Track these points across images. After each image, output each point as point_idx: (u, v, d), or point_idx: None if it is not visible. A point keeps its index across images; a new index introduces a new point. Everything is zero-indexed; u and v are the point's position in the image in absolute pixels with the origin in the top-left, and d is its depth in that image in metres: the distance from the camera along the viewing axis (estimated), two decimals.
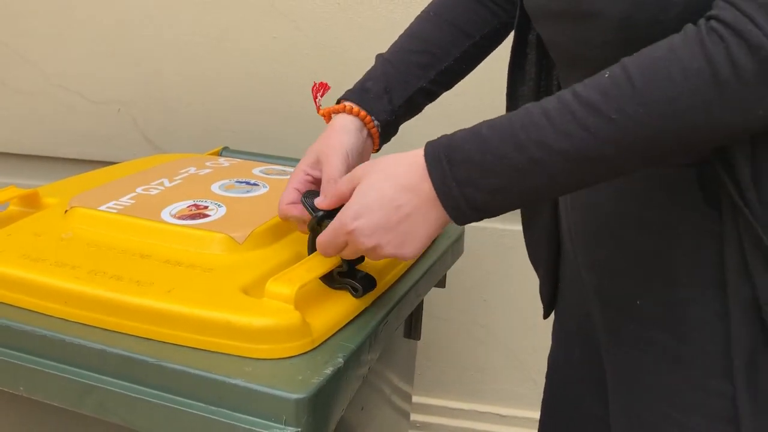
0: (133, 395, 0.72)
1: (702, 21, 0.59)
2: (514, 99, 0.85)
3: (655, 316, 0.73)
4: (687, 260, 0.70)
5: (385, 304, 0.87)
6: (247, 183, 1.05)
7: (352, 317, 0.82)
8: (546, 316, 0.99)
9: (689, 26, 0.59)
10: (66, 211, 0.94)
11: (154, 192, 0.99)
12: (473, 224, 1.55)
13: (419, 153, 0.68)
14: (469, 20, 0.91)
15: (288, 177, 1.10)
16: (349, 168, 0.81)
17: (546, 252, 0.91)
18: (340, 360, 0.74)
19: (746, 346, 0.67)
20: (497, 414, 1.65)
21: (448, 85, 0.93)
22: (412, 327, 1.12)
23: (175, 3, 1.53)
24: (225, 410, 0.69)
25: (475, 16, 0.91)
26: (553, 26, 0.74)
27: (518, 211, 1.50)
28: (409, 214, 0.69)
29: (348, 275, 0.81)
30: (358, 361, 0.78)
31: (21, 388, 0.78)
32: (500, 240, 1.54)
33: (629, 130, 0.59)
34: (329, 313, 0.79)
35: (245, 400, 0.69)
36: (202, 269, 0.82)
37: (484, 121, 0.66)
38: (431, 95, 0.92)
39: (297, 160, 1.28)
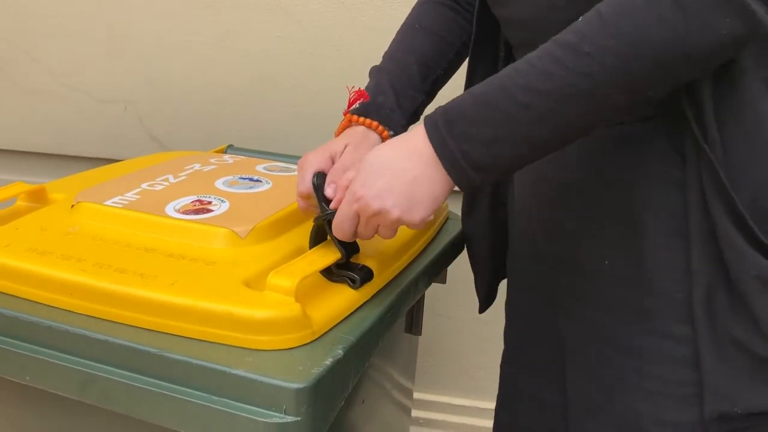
0: (136, 385, 0.73)
1: None
2: None
3: (622, 273, 0.77)
4: (652, 211, 0.74)
5: (384, 298, 0.88)
6: (251, 179, 1.07)
7: (352, 310, 0.83)
8: (482, 310, 1.06)
9: None
10: (72, 206, 0.95)
11: (159, 188, 1.01)
12: None
13: (420, 123, 0.72)
14: (450, 30, 0.96)
15: (291, 174, 1.12)
16: None
17: (487, 246, 0.99)
18: (340, 351, 0.75)
19: (704, 289, 0.70)
20: None
21: (435, 94, 0.98)
22: (413, 322, 1.13)
23: (181, 3, 1.54)
24: (226, 399, 0.70)
25: (455, 25, 0.96)
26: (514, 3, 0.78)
27: None
28: (415, 177, 0.71)
29: (346, 267, 0.83)
30: (358, 354, 0.80)
31: (27, 378, 0.79)
32: None
33: (605, 62, 0.62)
34: (330, 306, 0.80)
35: (246, 389, 0.70)
36: (205, 263, 0.84)
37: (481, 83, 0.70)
38: (425, 105, 0.96)
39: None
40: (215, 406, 0.70)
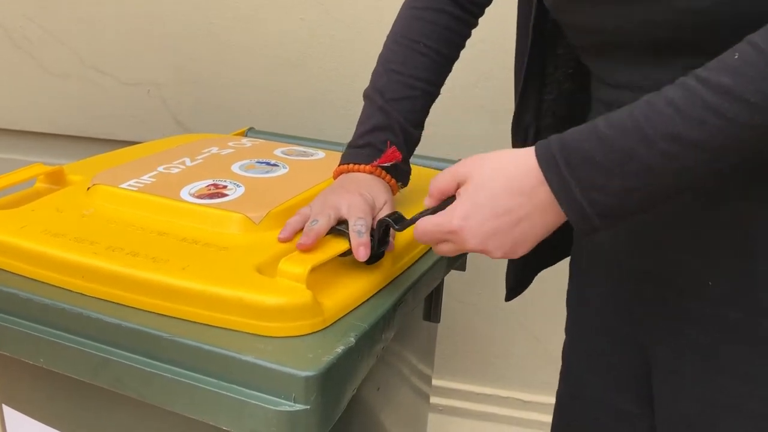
0: (147, 369, 0.73)
1: None
2: (531, 110, 0.86)
3: (730, 296, 0.70)
4: (764, 230, 0.66)
5: (400, 285, 0.86)
6: (268, 164, 1.06)
7: (365, 298, 0.82)
8: (508, 299, 1.01)
9: None
10: (88, 188, 0.95)
11: (175, 171, 1.01)
12: None
13: (530, 153, 0.64)
14: (452, 44, 0.93)
15: (309, 158, 1.11)
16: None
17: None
18: (352, 339, 0.74)
19: None
20: (520, 399, 1.65)
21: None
22: (432, 309, 1.12)
23: None
24: (235, 386, 0.70)
25: (458, 37, 0.94)
26: (593, 9, 0.70)
27: None
28: (521, 219, 0.65)
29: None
30: (371, 341, 0.78)
31: (41, 360, 0.80)
32: None
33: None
34: (342, 294, 0.79)
35: (256, 376, 0.69)
36: (218, 248, 0.83)
37: (599, 118, 0.62)
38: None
39: (322, 142, 1.30)
40: (225, 393, 0.70)
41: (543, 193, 0.63)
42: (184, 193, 0.92)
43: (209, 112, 1.62)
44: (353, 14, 1.48)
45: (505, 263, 1.55)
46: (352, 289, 0.81)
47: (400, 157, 0.90)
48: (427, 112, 0.94)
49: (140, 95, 1.64)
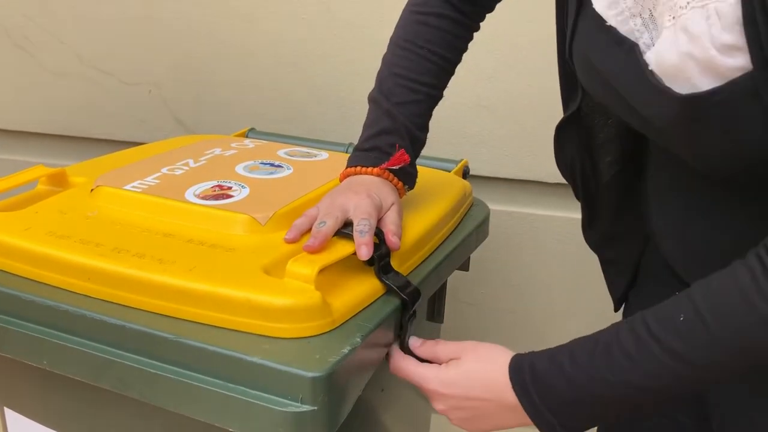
0: (151, 371, 0.73)
1: (753, 255, 0.62)
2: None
3: None
4: None
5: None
6: (272, 164, 1.05)
7: (373, 299, 0.81)
8: (617, 309, 1.02)
9: (752, 259, 0.62)
10: (92, 189, 0.95)
11: (179, 172, 1.00)
12: (499, 208, 1.54)
13: (505, 372, 0.74)
14: (455, 48, 0.94)
15: (312, 159, 1.11)
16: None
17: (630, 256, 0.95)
18: (358, 340, 0.74)
19: None
20: None
21: None
22: (435, 310, 1.12)
23: None
24: (242, 387, 0.70)
25: (461, 41, 0.95)
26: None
27: (548, 197, 1.49)
28: (485, 412, 0.76)
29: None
30: (377, 342, 0.78)
31: (44, 362, 0.80)
32: (529, 224, 1.53)
33: (713, 371, 0.65)
34: (350, 294, 0.79)
35: (262, 377, 0.69)
36: (224, 249, 0.83)
37: (561, 350, 0.72)
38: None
39: (324, 142, 1.30)
40: (231, 394, 0.70)
41: (513, 403, 0.73)
42: (189, 195, 0.92)
43: (210, 112, 1.62)
44: (355, 13, 1.47)
45: (508, 262, 1.56)
46: (360, 290, 0.80)
47: (408, 159, 0.91)
48: (430, 116, 0.94)
49: (141, 95, 1.63)
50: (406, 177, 0.93)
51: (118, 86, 1.63)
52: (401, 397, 1.09)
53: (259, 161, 1.06)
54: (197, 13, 1.55)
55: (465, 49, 0.96)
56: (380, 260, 0.82)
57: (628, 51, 0.67)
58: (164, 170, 1.00)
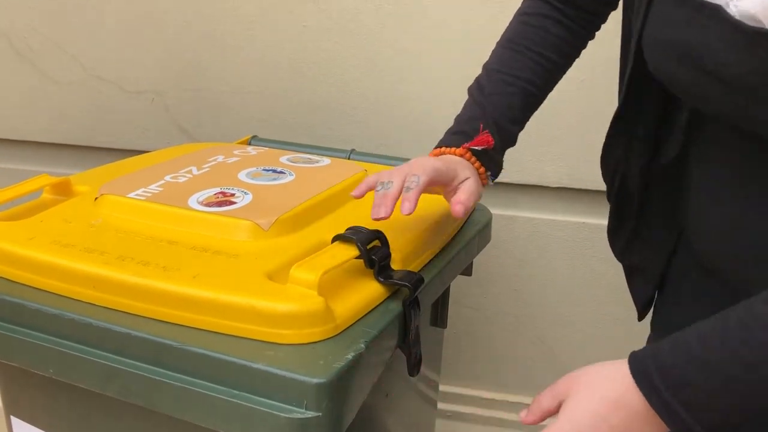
0: (157, 378, 0.73)
1: None
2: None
3: None
4: None
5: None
6: (274, 171, 1.06)
7: (376, 304, 0.82)
8: (641, 317, 0.97)
9: None
10: (96, 198, 0.95)
11: (183, 180, 1.01)
12: (502, 213, 1.54)
13: (626, 372, 0.66)
14: (559, 50, 0.93)
15: (314, 165, 1.11)
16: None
17: (658, 266, 0.91)
18: (362, 345, 0.74)
19: None
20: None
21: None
22: (438, 315, 1.12)
23: None
24: (246, 394, 0.70)
25: (566, 45, 0.93)
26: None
27: (550, 201, 1.50)
28: (620, 427, 0.66)
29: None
30: (381, 347, 0.79)
31: (50, 370, 0.80)
32: (531, 229, 1.53)
33: None
34: (353, 300, 0.79)
35: (266, 384, 0.69)
36: (228, 255, 0.83)
37: (688, 332, 0.64)
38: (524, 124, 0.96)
39: (326, 149, 1.30)
40: (236, 401, 0.70)
41: (644, 410, 0.64)
42: (193, 202, 0.92)
43: (212, 120, 1.62)
44: (356, 21, 1.48)
45: (511, 266, 1.56)
46: (362, 295, 0.81)
47: (492, 142, 0.90)
48: (527, 112, 0.94)
49: (143, 104, 1.64)
50: (490, 163, 0.92)
51: (121, 95, 1.64)
52: (406, 403, 1.09)
53: (262, 168, 1.07)
54: (199, 21, 1.55)
55: (574, 53, 0.95)
56: (380, 261, 0.82)
57: (710, 14, 0.65)
58: (167, 178, 1.01)
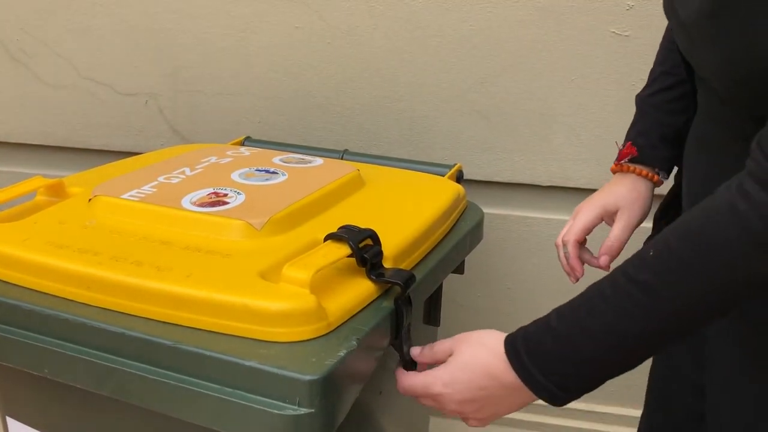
0: (151, 377, 0.74)
1: (734, 182, 0.62)
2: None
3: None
4: None
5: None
6: (267, 171, 1.06)
7: (368, 302, 0.82)
8: None
9: (722, 189, 0.63)
10: (90, 199, 0.96)
11: (176, 181, 1.01)
12: (494, 212, 1.55)
13: (500, 343, 0.75)
14: None
15: (307, 166, 1.12)
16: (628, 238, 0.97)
17: None
18: (354, 343, 0.75)
19: None
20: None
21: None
22: (431, 313, 1.13)
23: None
24: (239, 392, 0.71)
25: None
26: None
27: (542, 199, 1.50)
28: (491, 396, 0.75)
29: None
30: (373, 345, 0.79)
31: (45, 371, 0.80)
32: (523, 227, 1.53)
33: (683, 302, 0.64)
34: (345, 298, 0.80)
35: (259, 381, 0.70)
36: (221, 255, 0.84)
37: (554, 310, 0.73)
38: (691, 120, 0.94)
39: (319, 150, 1.31)
40: (229, 398, 0.71)
41: (511, 378, 0.73)
42: (186, 202, 0.93)
43: (206, 122, 1.63)
44: (348, 22, 1.49)
45: (503, 264, 1.57)
46: (354, 293, 0.81)
47: (635, 150, 0.96)
48: (686, 98, 0.94)
49: (137, 105, 1.65)
50: (654, 160, 0.97)
51: (115, 97, 1.65)
52: (399, 400, 1.10)
53: (255, 168, 1.07)
54: (192, 23, 1.56)
55: None
56: (372, 260, 0.82)
57: None
58: (161, 179, 1.01)
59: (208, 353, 0.72)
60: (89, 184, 1.02)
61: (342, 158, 1.28)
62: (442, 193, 1.10)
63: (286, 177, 1.05)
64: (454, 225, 1.09)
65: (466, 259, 1.14)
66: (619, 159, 0.98)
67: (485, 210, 1.21)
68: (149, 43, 1.59)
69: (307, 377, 0.69)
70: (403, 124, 1.51)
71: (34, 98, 1.68)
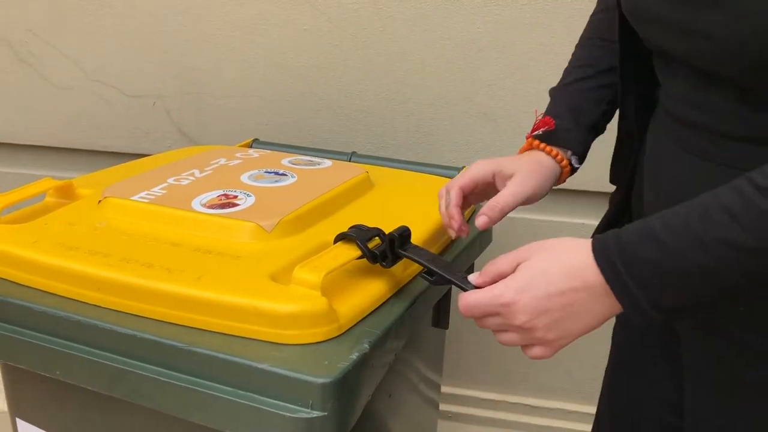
0: (164, 379, 0.74)
1: None
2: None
3: (748, 320, 0.72)
4: None
5: (411, 291, 0.87)
6: (276, 173, 1.06)
7: (378, 304, 0.82)
8: None
9: None
10: (99, 201, 0.96)
11: (185, 182, 1.01)
12: None
13: (588, 249, 0.66)
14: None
15: (316, 167, 1.12)
16: (513, 205, 0.85)
17: None
18: (366, 346, 0.75)
19: None
20: (528, 405, 1.65)
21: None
22: (440, 316, 1.13)
23: None
24: (252, 394, 0.71)
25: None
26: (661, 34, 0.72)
27: (550, 202, 1.50)
28: (573, 302, 0.66)
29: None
30: (384, 348, 0.79)
31: (58, 372, 0.80)
32: (531, 230, 1.53)
33: None
34: (356, 300, 0.80)
35: (272, 384, 0.70)
36: (231, 257, 0.84)
37: (654, 218, 0.64)
38: (610, 115, 0.92)
39: (327, 152, 1.31)
40: (242, 401, 0.71)
41: (598, 285, 0.64)
42: (196, 204, 0.93)
43: (213, 123, 1.63)
44: (356, 24, 1.49)
45: None
46: (365, 295, 0.81)
47: (552, 122, 0.89)
48: (605, 91, 0.90)
49: (145, 107, 1.65)
50: (567, 141, 0.89)
51: (123, 99, 1.65)
52: (408, 404, 1.10)
53: (264, 170, 1.07)
54: (200, 25, 1.56)
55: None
56: (401, 237, 0.82)
57: None
58: (170, 180, 1.01)
59: (220, 356, 0.72)
60: (99, 186, 1.02)
61: (350, 160, 1.28)
62: None
63: (295, 179, 1.05)
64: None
65: (475, 262, 1.14)
66: (533, 130, 0.89)
67: None
68: (156, 44, 1.59)
69: (320, 380, 0.69)
70: (410, 127, 1.51)
71: (41, 100, 1.68)
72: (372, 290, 0.82)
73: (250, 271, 0.80)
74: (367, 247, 0.81)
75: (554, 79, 0.95)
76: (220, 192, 0.97)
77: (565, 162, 0.89)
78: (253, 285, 0.78)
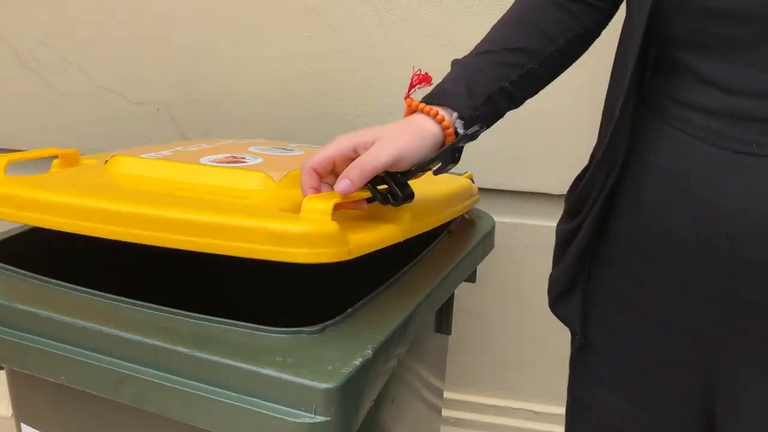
0: (167, 384, 0.74)
1: None
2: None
3: None
4: None
5: (414, 296, 0.88)
6: (284, 149, 1.11)
7: (388, 243, 0.82)
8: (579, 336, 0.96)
9: None
10: (106, 161, 0.98)
11: (193, 148, 1.04)
12: (505, 221, 1.55)
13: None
14: (551, 24, 0.86)
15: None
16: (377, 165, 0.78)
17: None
18: (369, 351, 0.75)
19: None
20: (531, 410, 1.65)
21: (531, 92, 0.90)
22: (443, 321, 1.13)
23: (212, 4, 1.56)
24: (255, 399, 0.71)
25: (557, 20, 0.87)
26: None
27: (553, 208, 1.51)
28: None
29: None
30: (387, 353, 0.79)
31: (62, 378, 0.81)
32: (533, 236, 1.54)
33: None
34: (367, 235, 0.79)
35: (275, 389, 0.70)
36: (241, 199, 0.85)
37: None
38: (513, 99, 0.88)
39: None
40: (245, 406, 0.71)
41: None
42: (204, 160, 0.95)
43: (218, 130, 1.63)
44: (359, 30, 1.49)
45: (513, 273, 1.57)
46: (374, 233, 0.81)
47: (430, 79, 0.85)
48: (511, 69, 0.85)
49: (148, 114, 1.66)
50: (454, 103, 0.83)
51: (127, 105, 1.66)
52: (411, 409, 1.10)
53: (272, 146, 1.12)
54: (203, 32, 1.57)
55: (569, 33, 0.87)
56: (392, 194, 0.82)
57: None
58: (178, 148, 1.04)
59: (224, 361, 0.72)
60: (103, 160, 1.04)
61: None
62: (454, 180, 1.14)
63: (302, 153, 1.08)
64: (467, 234, 1.10)
65: (477, 267, 1.14)
66: (410, 87, 0.85)
67: (496, 218, 1.21)
68: (161, 51, 1.60)
69: (324, 385, 0.69)
70: None
71: (46, 107, 1.69)
72: (382, 229, 0.82)
73: (260, 207, 0.81)
74: (375, 189, 0.80)
75: (556, 83, 0.95)
76: (228, 155, 0.99)
77: (446, 123, 0.81)
78: (264, 213, 0.78)
